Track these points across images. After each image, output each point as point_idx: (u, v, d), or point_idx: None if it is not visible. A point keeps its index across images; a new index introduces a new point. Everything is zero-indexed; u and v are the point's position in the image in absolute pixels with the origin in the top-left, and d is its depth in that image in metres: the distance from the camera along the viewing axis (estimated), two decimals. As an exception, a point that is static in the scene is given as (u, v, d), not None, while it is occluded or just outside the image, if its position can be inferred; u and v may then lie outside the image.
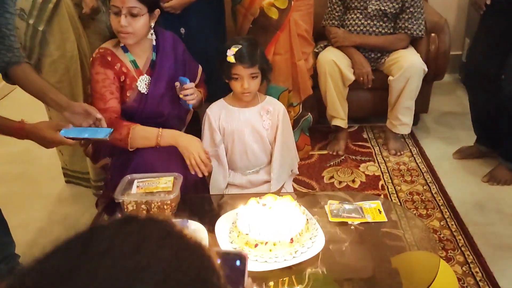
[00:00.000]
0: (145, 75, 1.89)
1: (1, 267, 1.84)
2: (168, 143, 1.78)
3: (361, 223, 1.49)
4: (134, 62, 1.88)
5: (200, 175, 1.75)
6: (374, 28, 2.74)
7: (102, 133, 1.61)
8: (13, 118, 1.61)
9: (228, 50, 1.80)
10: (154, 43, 1.91)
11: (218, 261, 0.49)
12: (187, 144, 1.76)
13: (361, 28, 2.75)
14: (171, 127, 1.88)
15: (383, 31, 2.74)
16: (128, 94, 1.86)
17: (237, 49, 1.79)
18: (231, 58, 1.79)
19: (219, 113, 1.93)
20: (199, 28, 2.29)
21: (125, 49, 1.87)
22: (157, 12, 1.83)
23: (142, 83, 1.88)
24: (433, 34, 2.82)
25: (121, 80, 1.85)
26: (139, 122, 1.84)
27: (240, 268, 0.64)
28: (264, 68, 1.87)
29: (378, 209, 1.53)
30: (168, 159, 1.76)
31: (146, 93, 1.88)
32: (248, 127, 1.93)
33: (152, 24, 1.84)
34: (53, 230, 2.30)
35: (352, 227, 1.47)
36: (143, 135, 1.78)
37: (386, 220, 1.49)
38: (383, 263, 1.38)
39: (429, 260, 1.35)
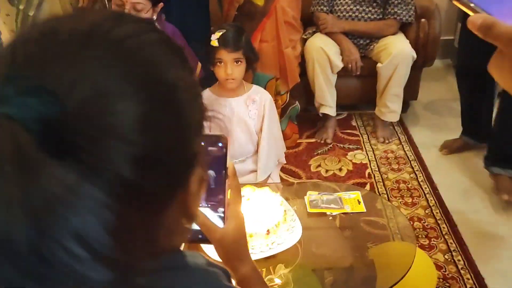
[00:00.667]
0: None
1: None
2: None
3: (340, 213, 1.49)
4: None
5: None
6: (363, 14, 2.71)
7: None
8: None
9: (213, 35, 1.79)
10: None
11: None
12: None
13: (350, 13, 2.72)
14: None
15: (372, 16, 2.71)
16: None
17: (221, 33, 1.78)
18: (214, 42, 1.77)
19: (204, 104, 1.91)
20: (181, 15, 2.27)
21: None
22: (160, 5, 1.81)
23: None
24: (423, 20, 2.79)
25: None
26: None
27: (222, 150, 0.63)
28: (249, 56, 1.84)
29: (358, 200, 1.54)
30: None
31: None
32: (235, 117, 1.91)
33: (155, 17, 1.82)
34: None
35: (331, 217, 1.48)
36: None
37: (365, 210, 1.50)
38: (360, 254, 1.39)
39: (406, 251, 1.36)
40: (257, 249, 1.31)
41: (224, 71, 1.80)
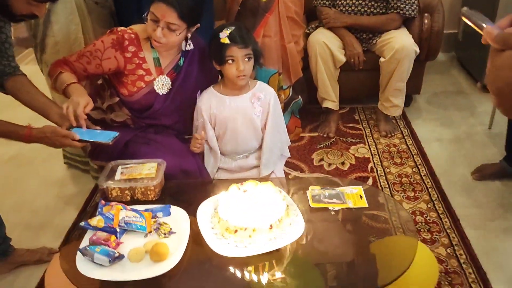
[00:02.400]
0: (165, 76, 1.85)
1: None
2: (69, 95, 1.68)
3: (343, 209, 1.50)
4: (157, 60, 1.84)
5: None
6: (366, 8, 2.71)
7: (106, 137, 1.61)
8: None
9: (221, 33, 1.77)
10: (184, 48, 1.87)
11: None
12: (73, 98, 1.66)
13: (353, 8, 2.71)
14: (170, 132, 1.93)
15: (375, 11, 2.71)
16: (139, 85, 1.82)
17: (230, 30, 1.76)
18: (225, 40, 1.74)
19: (209, 103, 1.89)
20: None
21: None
22: (196, 26, 1.79)
23: (159, 83, 1.84)
24: (426, 14, 2.78)
25: (126, 67, 1.79)
26: (140, 117, 1.87)
27: None
28: (256, 51, 1.83)
29: (360, 195, 1.55)
30: (166, 156, 1.72)
31: (161, 94, 1.85)
32: (240, 115, 1.90)
33: (189, 36, 1.81)
34: (47, 211, 2.33)
35: (333, 212, 1.49)
36: (61, 81, 1.69)
37: (367, 205, 1.51)
38: (362, 249, 1.40)
39: (407, 245, 1.37)
40: (260, 244, 1.33)
41: (236, 68, 1.78)
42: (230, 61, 1.78)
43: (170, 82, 1.86)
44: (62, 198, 2.45)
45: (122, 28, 1.82)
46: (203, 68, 1.92)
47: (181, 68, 1.87)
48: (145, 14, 1.74)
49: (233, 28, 1.77)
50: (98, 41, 1.78)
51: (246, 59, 1.79)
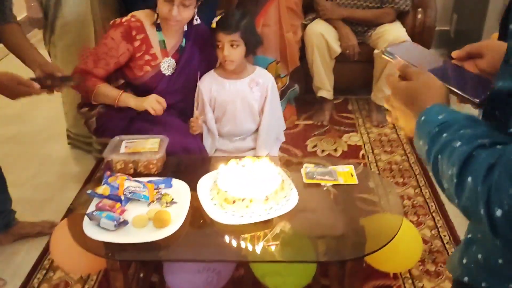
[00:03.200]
0: (170, 57, 1.93)
1: None
2: (125, 104, 1.86)
3: (334, 185, 1.59)
4: (163, 42, 1.91)
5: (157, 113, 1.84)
6: (362, 2, 2.80)
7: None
8: None
9: (215, 18, 1.86)
10: (185, 28, 1.95)
11: None
12: (140, 102, 1.85)
13: (349, 1, 2.81)
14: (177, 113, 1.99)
15: (370, 5, 2.80)
16: (146, 70, 1.89)
17: (221, 16, 1.85)
18: (213, 24, 1.85)
19: (210, 86, 1.97)
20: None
21: (159, 27, 1.89)
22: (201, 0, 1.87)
23: (165, 65, 1.92)
24: (419, 9, 2.88)
25: (135, 56, 1.87)
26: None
27: None
28: (249, 39, 1.87)
29: (351, 173, 1.64)
30: (168, 134, 1.79)
31: (167, 75, 1.93)
32: (238, 99, 1.97)
33: (196, 10, 1.88)
34: (48, 188, 2.41)
35: (325, 188, 1.58)
36: (105, 94, 1.86)
37: (357, 182, 1.60)
38: (351, 221, 1.49)
39: (393, 220, 1.46)
40: (256, 214, 1.42)
41: (221, 52, 1.86)
42: (218, 46, 1.86)
43: (175, 63, 1.94)
44: (64, 176, 2.53)
45: (125, 18, 1.87)
46: (204, 49, 2.00)
47: (184, 49, 1.95)
48: None
49: (225, 14, 1.85)
50: (108, 40, 1.84)
51: (232, 46, 1.84)
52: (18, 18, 1.84)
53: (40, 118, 3.09)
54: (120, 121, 1.87)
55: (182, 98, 2.01)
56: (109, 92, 1.86)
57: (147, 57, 1.88)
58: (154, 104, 1.82)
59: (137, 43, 1.85)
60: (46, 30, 2.33)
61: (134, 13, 1.89)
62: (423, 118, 0.72)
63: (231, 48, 1.85)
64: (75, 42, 2.31)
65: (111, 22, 1.92)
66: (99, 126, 2.00)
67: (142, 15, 1.88)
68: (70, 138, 2.72)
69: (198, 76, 1.99)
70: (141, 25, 1.85)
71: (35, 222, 2.10)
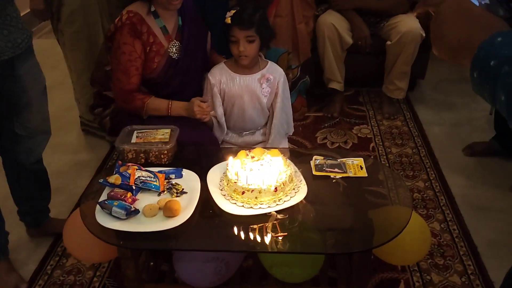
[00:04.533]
0: (175, 40, 1.93)
1: None
2: (177, 113, 1.86)
3: (343, 177, 1.60)
4: (164, 28, 1.90)
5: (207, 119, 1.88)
6: (375, -8, 2.77)
7: None
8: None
9: (228, 13, 1.84)
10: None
11: None
12: (189, 110, 1.85)
13: (362, -9, 2.78)
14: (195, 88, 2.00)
15: (383, -5, 2.77)
16: (157, 60, 1.89)
17: (235, 11, 1.82)
18: (228, 20, 1.81)
19: (219, 78, 1.95)
20: None
21: (156, 15, 1.88)
22: None
23: (173, 49, 1.92)
24: None
25: (146, 49, 1.87)
26: (174, 88, 1.94)
27: None
28: (263, 33, 1.87)
29: (360, 166, 1.64)
30: (180, 126, 1.80)
31: (177, 58, 1.93)
32: (247, 94, 1.96)
33: None
34: (61, 176, 2.44)
35: (334, 180, 1.58)
36: (155, 108, 1.87)
37: (367, 175, 1.60)
38: (360, 214, 1.50)
39: (402, 213, 1.47)
40: (265, 205, 1.43)
41: (237, 48, 1.85)
42: (233, 41, 1.85)
43: (179, 44, 1.94)
44: (76, 164, 2.56)
45: (124, 16, 1.84)
46: (197, 24, 2.01)
47: (182, 28, 1.96)
48: None
49: (239, 8, 1.82)
50: (122, 46, 1.82)
51: (248, 41, 1.84)
52: (23, 13, 1.83)
53: (53, 107, 3.10)
54: (134, 119, 1.87)
55: (193, 77, 2.01)
56: (158, 105, 1.87)
57: (155, 48, 1.88)
58: (197, 112, 1.82)
59: (145, 36, 1.85)
60: (53, 18, 2.35)
61: (128, 8, 1.86)
62: (499, 39, 0.68)
63: (246, 44, 1.84)
64: (83, 28, 2.33)
65: (111, 26, 1.90)
66: (114, 125, 2.01)
67: (137, 8, 1.86)
68: (83, 124, 2.75)
69: (209, 37, 2.03)
70: (140, 17, 1.84)
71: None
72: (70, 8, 2.28)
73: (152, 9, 1.87)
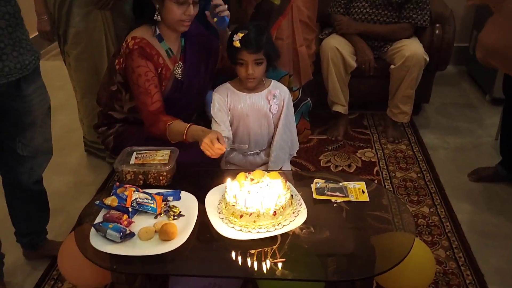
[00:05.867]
0: (180, 62, 1.94)
1: None
2: (193, 139, 1.76)
3: (345, 201, 1.56)
4: (169, 51, 1.91)
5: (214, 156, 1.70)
6: (378, 17, 2.78)
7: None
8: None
9: (235, 35, 1.82)
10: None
11: None
12: (202, 136, 1.69)
13: (366, 16, 2.79)
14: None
15: (387, 20, 2.78)
16: (164, 84, 1.89)
17: (243, 34, 1.81)
18: (237, 43, 1.80)
19: (225, 96, 1.93)
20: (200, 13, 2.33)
21: (160, 38, 1.89)
22: None
23: (178, 70, 1.93)
24: (437, 25, 2.85)
25: (158, 71, 1.87)
26: (179, 109, 1.92)
27: None
28: (269, 54, 1.87)
29: (362, 190, 1.61)
30: (181, 147, 1.77)
31: (181, 79, 1.93)
32: (254, 112, 1.95)
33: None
34: (61, 197, 2.42)
35: (335, 205, 1.55)
36: (175, 132, 1.79)
37: (369, 200, 1.56)
38: (362, 240, 1.46)
39: (405, 239, 1.42)
40: (264, 229, 1.39)
41: (245, 70, 1.84)
42: (240, 64, 1.85)
43: (183, 65, 1.95)
44: (77, 185, 2.54)
45: (130, 43, 1.82)
46: (199, 42, 2.01)
47: (184, 48, 1.96)
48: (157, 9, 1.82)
49: (247, 32, 1.82)
50: (137, 69, 1.81)
51: (256, 64, 1.84)
52: (32, 36, 1.84)
53: (57, 128, 3.12)
54: (137, 140, 1.85)
55: (196, 97, 2.01)
56: (178, 129, 1.77)
57: (164, 71, 1.89)
58: (205, 147, 1.66)
59: (155, 58, 1.85)
60: (60, 40, 2.38)
61: (132, 34, 1.85)
62: None
63: (255, 66, 1.84)
64: (87, 50, 2.35)
65: (119, 55, 1.90)
66: (117, 145, 2.00)
67: (142, 32, 1.86)
68: (86, 145, 2.75)
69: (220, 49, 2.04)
70: (147, 41, 1.84)
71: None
72: (76, 29, 2.30)
73: (157, 32, 1.88)
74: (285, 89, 2.02)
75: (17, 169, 1.80)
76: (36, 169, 1.86)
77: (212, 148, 1.63)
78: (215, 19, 1.97)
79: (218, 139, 1.65)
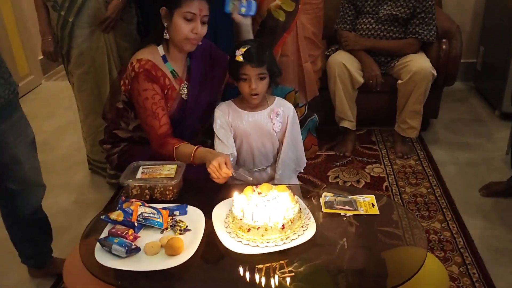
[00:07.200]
0: (185, 82, 1.93)
1: None
2: (200, 161, 1.73)
3: (354, 215, 1.53)
4: (174, 72, 1.91)
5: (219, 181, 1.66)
6: (385, 33, 2.78)
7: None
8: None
9: (237, 50, 1.82)
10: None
11: None
12: (211, 158, 1.67)
13: (372, 32, 2.79)
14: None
15: (394, 35, 2.78)
16: (169, 105, 1.88)
17: (246, 49, 1.80)
18: (239, 58, 1.80)
19: (227, 114, 1.92)
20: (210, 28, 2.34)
21: (165, 59, 1.88)
22: None
23: (184, 90, 1.93)
24: (444, 40, 2.84)
25: (165, 93, 1.86)
26: (185, 128, 1.92)
27: None
28: (272, 70, 1.86)
29: (372, 203, 1.57)
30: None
31: (187, 99, 1.93)
32: (256, 131, 1.93)
33: None
34: (66, 216, 2.41)
35: (345, 218, 1.52)
36: (183, 155, 1.76)
37: (378, 213, 1.53)
38: (372, 255, 1.42)
39: (417, 254, 1.38)
40: (272, 243, 1.36)
41: (249, 86, 1.82)
42: (243, 79, 1.84)
43: (188, 84, 1.94)
44: (82, 204, 2.53)
45: (135, 65, 1.81)
46: (204, 61, 2.00)
47: (189, 68, 1.96)
48: (165, 24, 1.83)
49: (249, 46, 1.81)
50: (143, 93, 1.79)
51: (259, 78, 1.83)
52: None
53: (63, 147, 3.13)
54: (141, 159, 1.84)
55: (200, 116, 2.00)
56: (184, 152, 1.75)
57: (170, 92, 1.89)
58: (211, 170, 1.64)
59: (161, 80, 1.85)
60: (64, 60, 2.40)
61: (137, 56, 1.84)
62: None
63: (258, 81, 1.83)
64: (90, 70, 2.37)
65: (123, 78, 1.90)
66: (121, 162, 1.99)
67: (147, 54, 1.85)
68: (90, 163, 2.75)
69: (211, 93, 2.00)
70: (152, 63, 1.83)
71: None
72: (78, 50, 2.32)
73: (161, 53, 1.88)
74: (289, 106, 1.99)
75: (13, 203, 1.79)
76: (32, 202, 1.84)
77: (219, 171, 1.61)
78: (243, 9, 1.97)
79: (226, 163, 1.63)
